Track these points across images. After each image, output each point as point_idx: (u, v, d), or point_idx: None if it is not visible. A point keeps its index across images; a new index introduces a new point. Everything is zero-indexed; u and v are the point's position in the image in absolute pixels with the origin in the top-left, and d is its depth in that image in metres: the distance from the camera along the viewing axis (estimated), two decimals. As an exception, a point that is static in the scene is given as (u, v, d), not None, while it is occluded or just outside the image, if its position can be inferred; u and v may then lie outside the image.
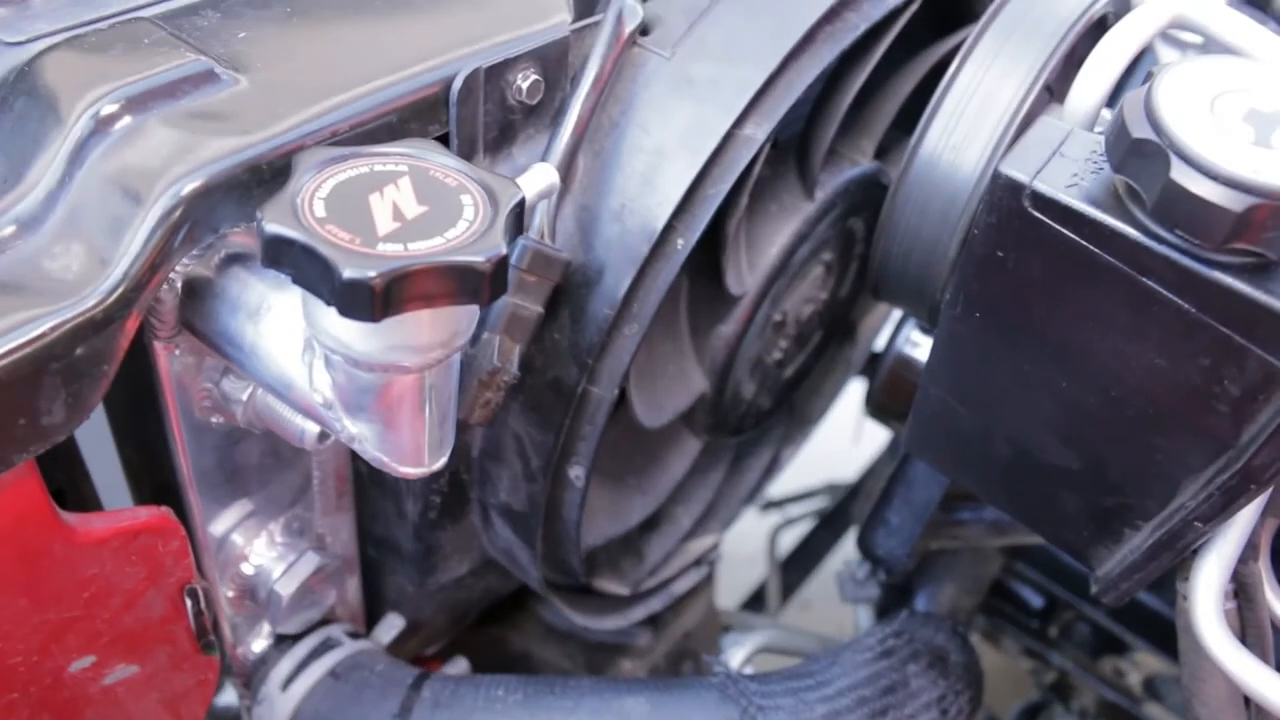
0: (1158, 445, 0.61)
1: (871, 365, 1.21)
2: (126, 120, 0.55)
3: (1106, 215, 0.55)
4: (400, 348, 0.50)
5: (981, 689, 0.93)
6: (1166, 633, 1.25)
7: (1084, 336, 0.60)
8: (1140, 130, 0.52)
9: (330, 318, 0.49)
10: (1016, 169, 0.57)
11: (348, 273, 0.44)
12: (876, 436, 1.58)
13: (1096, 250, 0.56)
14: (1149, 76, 0.55)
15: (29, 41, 0.59)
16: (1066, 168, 0.57)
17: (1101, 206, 0.55)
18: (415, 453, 0.57)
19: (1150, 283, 0.55)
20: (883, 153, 0.89)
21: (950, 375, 0.70)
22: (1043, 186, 0.57)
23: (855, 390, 1.32)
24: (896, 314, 1.12)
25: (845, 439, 1.57)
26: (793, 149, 0.83)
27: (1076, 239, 0.56)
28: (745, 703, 0.82)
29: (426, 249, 0.46)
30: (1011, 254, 0.60)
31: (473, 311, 0.52)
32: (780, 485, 1.36)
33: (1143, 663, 1.39)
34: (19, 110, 0.56)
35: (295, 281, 0.47)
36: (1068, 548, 0.73)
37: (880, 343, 1.20)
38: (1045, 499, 0.71)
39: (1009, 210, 0.58)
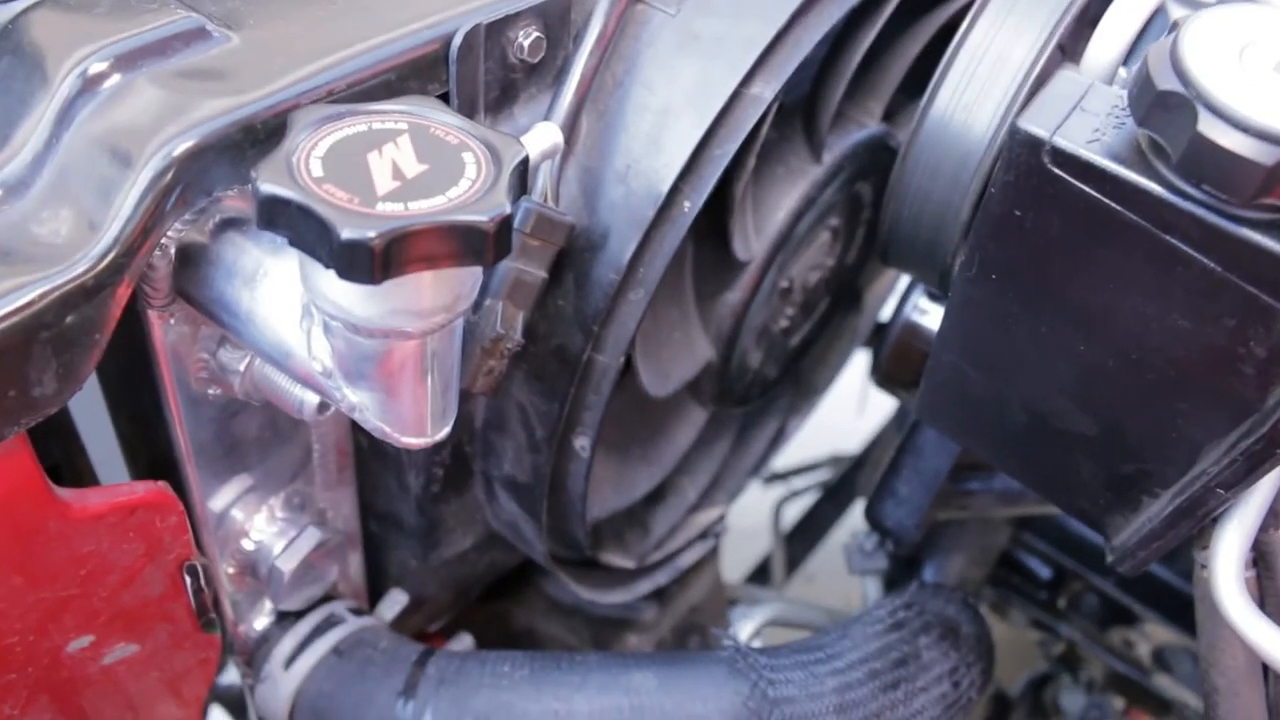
0: (1179, 409, 0.60)
1: (877, 336, 1.19)
2: (115, 79, 0.53)
3: (1129, 171, 0.53)
4: (401, 312, 0.48)
5: (993, 660, 0.92)
6: (1176, 603, 1.25)
7: (1104, 297, 0.58)
8: (1166, 82, 0.50)
9: (329, 281, 0.47)
10: (1036, 124, 0.56)
11: (346, 233, 0.43)
12: (881, 408, 1.57)
13: (1118, 207, 0.54)
14: (1173, 27, 0.53)
15: (11, 0, 0.57)
16: (1087, 122, 0.56)
17: (1124, 162, 0.54)
18: (418, 422, 0.55)
19: (1174, 240, 0.54)
20: (888, 116, 0.87)
21: (964, 340, 0.68)
22: (1063, 142, 0.55)
23: (859, 362, 1.31)
24: (902, 284, 1.11)
25: (849, 411, 1.56)
26: (799, 111, 0.81)
27: (1098, 196, 0.55)
28: (755, 676, 0.81)
29: (428, 208, 0.45)
30: (1030, 213, 0.58)
31: (476, 274, 0.51)
32: (784, 458, 1.35)
33: (1152, 634, 1.38)
34: (3, 70, 0.54)
35: (292, 243, 0.45)
36: (1083, 516, 0.72)
37: (886, 313, 1.19)
38: (1061, 466, 0.69)
39: (1028, 167, 0.57)
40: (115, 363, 0.56)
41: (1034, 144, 0.56)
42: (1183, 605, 1.25)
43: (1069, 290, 0.60)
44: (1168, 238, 0.54)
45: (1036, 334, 0.63)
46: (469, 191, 0.46)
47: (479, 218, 0.44)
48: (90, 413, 0.71)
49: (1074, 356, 0.62)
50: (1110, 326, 0.59)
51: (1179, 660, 1.36)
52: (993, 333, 0.65)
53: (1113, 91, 0.57)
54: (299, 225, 0.44)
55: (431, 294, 0.48)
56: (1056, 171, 0.56)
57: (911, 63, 0.83)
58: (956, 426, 0.76)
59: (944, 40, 0.73)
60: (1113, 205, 0.54)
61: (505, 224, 0.45)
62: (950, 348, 0.69)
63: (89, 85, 0.53)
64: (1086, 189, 0.55)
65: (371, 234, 0.43)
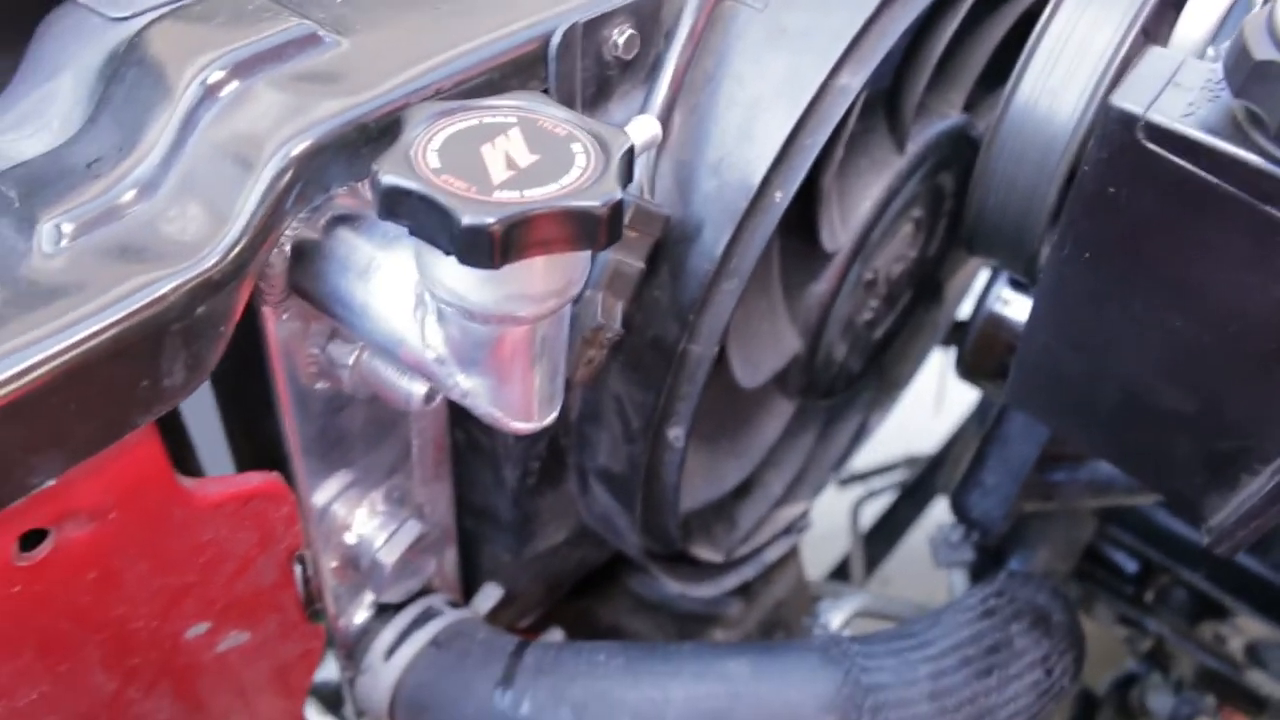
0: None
1: (957, 333, 1.19)
2: (234, 85, 0.55)
3: (1227, 143, 0.54)
4: (516, 297, 0.50)
5: (1084, 650, 0.91)
6: (1269, 596, 1.22)
7: (1201, 271, 0.58)
8: (1264, 52, 0.51)
9: (446, 268, 0.49)
10: (1129, 101, 0.56)
11: (467, 219, 0.44)
12: (956, 408, 1.57)
13: (1216, 180, 0.55)
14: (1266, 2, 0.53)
15: (134, 16, 0.60)
16: (1181, 97, 0.56)
17: (1221, 134, 0.54)
18: (526, 407, 0.57)
19: (1273, 211, 0.54)
20: (968, 107, 0.87)
21: (1056, 321, 0.68)
22: (1158, 117, 0.55)
23: (935, 361, 1.31)
24: (981, 281, 1.11)
25: (925, 412, 1.56)
26: (881, 103, 0.82)
27: (1194, 170, 0.55)
28: (849, 664, 0.81)
29: (543, 195, 0.46)
30: (1124, 189, 0.58)
31: (585, 259, 0.52)
32: (860, 458, 1.35)
33: (1244, 627, 1.35)
34: (130, 80, 0.56)
35: (413, 232, 0.47)
36: (1178, 497, 0.72)
37: (964, 312, 1.19)
38: (1156, 446, 0.69)
39: (1121, 144, 0.57)
40: (226, 357, 0.58)
41: (1128, 120, 0.56)
42: (1276, 598, 1.23)
43: (1165, 265, 0.60)
44: (1267, 208, 0.54)
45: (1131, 311, 0.63)
46: (580, 179, 0.48)
47: (593, 203, 0.46)
48: (191, 407, 0.74)
49: (1170, 333, 0.62)
50: (1207, 300, 0.59)
51: (1274, 655, 1.33)
52: (1086, 312, 0.66)
53: (1205, 66, 0.57)
54: (420, 214, 0.46)
55: (544, 279, 0.50)
56: (1151, 147, 0.56)
57: (991, 52, 0.84)
58: (1048, 410, 0.76)
59: (1022, 31, 0.73)
60: (1209, 178, 0.55)
61: (617, 209, 0.47)
62: (1042, 330, 0.69)
63: (210, 92, 0.55)
64: (1182, 163, 0.55)
65: (491, 220, 0.44)
